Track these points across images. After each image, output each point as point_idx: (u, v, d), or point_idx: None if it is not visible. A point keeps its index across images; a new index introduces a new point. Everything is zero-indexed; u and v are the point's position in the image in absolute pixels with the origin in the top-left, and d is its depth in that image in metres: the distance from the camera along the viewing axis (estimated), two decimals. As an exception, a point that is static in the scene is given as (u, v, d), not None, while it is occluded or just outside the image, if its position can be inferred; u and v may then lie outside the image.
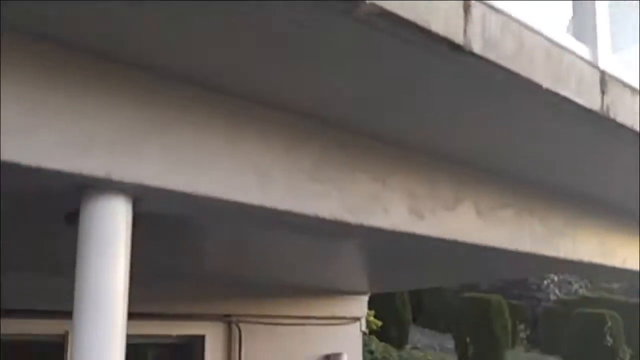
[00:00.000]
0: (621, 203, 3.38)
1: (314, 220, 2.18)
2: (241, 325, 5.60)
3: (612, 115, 2.18)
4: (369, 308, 10.66)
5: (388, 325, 12.31)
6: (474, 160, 2.64)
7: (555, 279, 16.31)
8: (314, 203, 2.18)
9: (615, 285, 17.98)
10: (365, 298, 6.73)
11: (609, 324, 11.78)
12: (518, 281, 15.66)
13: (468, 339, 12.44)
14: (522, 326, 14.68)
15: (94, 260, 1.86)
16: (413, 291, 14.57)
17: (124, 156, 1.78)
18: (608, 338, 11.66)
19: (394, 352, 10.91)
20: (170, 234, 2.83)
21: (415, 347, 13.19)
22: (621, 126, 2.25)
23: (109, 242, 1.86)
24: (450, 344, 14.03)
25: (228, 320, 5.56)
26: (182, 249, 3.29)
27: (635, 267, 3.70)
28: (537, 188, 3.03)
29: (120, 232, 1.87)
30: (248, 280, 5.28)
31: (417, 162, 2.50)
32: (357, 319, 6.67)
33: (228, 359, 5.57)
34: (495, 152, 2.57)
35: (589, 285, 17.36)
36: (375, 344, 10.85)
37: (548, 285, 16.17)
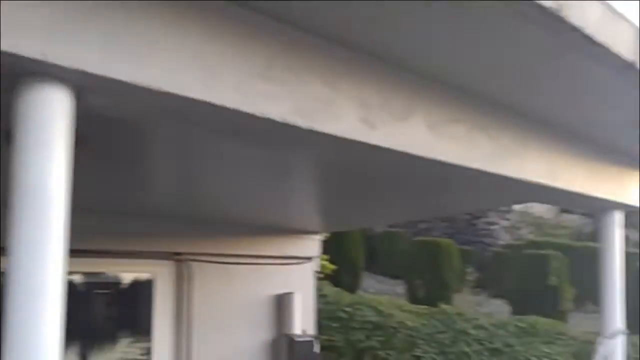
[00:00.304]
0: (568, 124, 3.43)
1: (263, 122, 2.12)
2: (192, 264, 5.54)
3: (563, 15, 2.15)
4: (323, 253, 10.83)
5: (341, 271, 12.55)
6: (426, 70, 2.60)
7: (504, 224, 16.86)
8: (264, 104, 2.11)
9: (562, 231, 18.75)
10: (318, 238, 6.78)
11: (553, 264, 12.26)
12: (468, 227, 16.13)
13: (418, 283, 12.78)
14: (470, 270, 15.17)
15: (27, 159, 1.74)
16: (367, 238, 14.85)
17: (62, 40, 1.67)
18: (552, 278, 12.14)
19: (346, 296, 11.12)
20: (115, 151, 2.73)
21: (367, 292, 13.49)
22: (574, 29, 2.23)
23: (47, 139, 1.74)
24: (402, 289, 14.41)
25: (178, 259, 5.49)
26: (127, 171, 3.18)
27: (579, 189, 3.79)
28: (488, 105, 3.03)
29: (60, 127, 1.75)
30: (199, 218, 5.21)
31: (369, 69, 2.45)
32: (310, 258, 6.73)
33: (178, 299, 5.53)
34: (446, 62, 2.54)
35: (537, 231, 18.04)
36: (329, 288, 11.03)
37: (497, 230, 16.71)
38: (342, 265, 12.45)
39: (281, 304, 6.32)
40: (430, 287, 12.75)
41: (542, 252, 12.72)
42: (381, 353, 9.85)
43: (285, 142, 2.46)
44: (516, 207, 18.24)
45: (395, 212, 5.80)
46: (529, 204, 18.20)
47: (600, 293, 4.50)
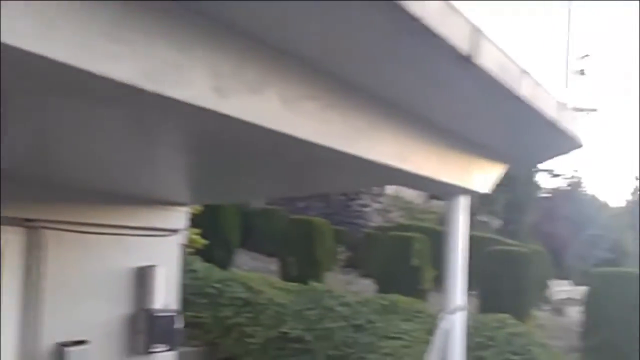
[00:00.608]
0: (418, 111, 3.64)
1: (107, 83, 2.08)
2: (46, 232, 5.23)
3: (403, 4, 2.29)
4: (195, 227, 10.69)
5: (214, 247, 12.47)
6: (281, 46, 2.65)
7: (377, 207, 17.57)
8: (108, 64, 2.07)
9: (429, 216, 19.90)
10: (185, 210, 6.69)
11: (416, 246, 12.99)
12: (343, 208, 16.64)
13: (291, 260, 13.02)
14: (342, 249, 15.69)
15: None
16: (243, 215, 14.85)
17: None
18: (415, 259, 12.87)
19: (217, 272, 11.10)
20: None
21: (240, 269, 13.54)
22: (413, 18, 2.37)
23: None
24: (276, 267, 14.61)
25: (30, 226, 5.15)
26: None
27: (428, 173, 4.06)
28: (343, 86, 3.13)
29: None
30: (55, 183, 4.97)
31: (224, 39, 2.46)
32: (176, 231, 6.63)
33: (28, 270, 5.18)
34: (299, 40, 2.59)
35: (406, 214, 19.00)
36: (199, 264, 10.95)
37: (369, 213, 17.39)
38: (215, 241, 12.39)
39: (142, 278, 6.17)
40: (303, 265, 13.06)
41: (406, 234, 13.44)
42: (248, 329, 9.96)
43: (134, 105, 2.42)
44: (388, 191, 19.11)
45: (262, 188, 5.86)
46: (401, 189, 19.12)
47: (443, 272, 4.87)
